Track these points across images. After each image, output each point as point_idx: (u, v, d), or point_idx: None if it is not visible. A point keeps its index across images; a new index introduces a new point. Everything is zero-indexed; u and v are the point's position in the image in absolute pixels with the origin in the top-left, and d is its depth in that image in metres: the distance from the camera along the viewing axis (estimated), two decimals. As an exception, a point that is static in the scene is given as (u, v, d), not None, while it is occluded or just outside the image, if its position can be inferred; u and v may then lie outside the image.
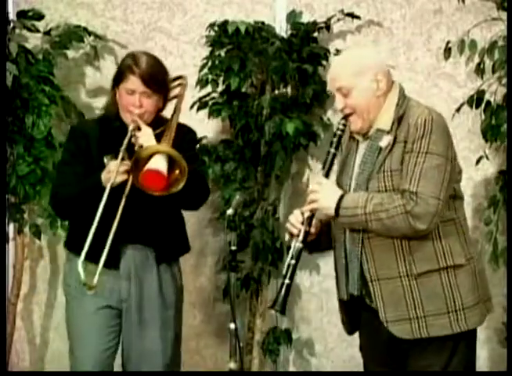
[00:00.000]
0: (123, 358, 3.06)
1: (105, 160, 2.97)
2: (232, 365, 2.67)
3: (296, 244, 2.61)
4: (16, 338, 4.07)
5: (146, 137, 2.92)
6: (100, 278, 2.91)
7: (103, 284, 2.96)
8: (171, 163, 2.83)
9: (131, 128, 2.95)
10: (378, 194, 2.53)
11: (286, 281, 2.57)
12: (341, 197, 2.55)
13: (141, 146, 2.90)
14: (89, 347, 3.00)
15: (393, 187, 2.53)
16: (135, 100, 2.95)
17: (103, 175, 2.90)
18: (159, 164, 2.81)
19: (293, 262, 2.59)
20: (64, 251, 3.18)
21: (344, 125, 2.66)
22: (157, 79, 2.98)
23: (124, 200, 2.88)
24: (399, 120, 2.59)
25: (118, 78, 3.01)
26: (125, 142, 2.93)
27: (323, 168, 2.67)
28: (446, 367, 2.56)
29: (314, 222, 2.65)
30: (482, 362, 3.83)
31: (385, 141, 2.58)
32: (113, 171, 2.87)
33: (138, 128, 2.95)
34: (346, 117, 2.65)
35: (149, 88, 2.95)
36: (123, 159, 2.91)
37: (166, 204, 2.97)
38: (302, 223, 2.62)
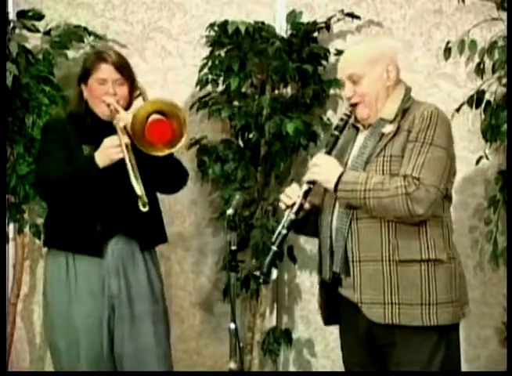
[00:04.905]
0: (115, 354, 3.02)
1: (84, 147, 2.98)
2: (232, 365, 2.68)
3: (289, 215, 2.67)
4: (16, 338, 4.07)
5: (127, 117, 2.93)
6: (88, 279, 2.95)
7: (92, 285, 2.97)
8: (167, 118, 2.88)
9: (111, 107, 2.97)
10: (378, 175, 2.58)
11: (274, 248, 2.65)
12: (342, 173, 2.61)
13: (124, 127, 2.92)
14: (85, 353, 2.97)
15: (390, 172, 2.58)
16: (109, 88, 3.00)
17: (98, 154, 2.90)
18: (159, 117, 2.87)
19: (284, 231, 2.66)
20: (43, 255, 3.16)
21: (351, 112, 2.72)
22: (127, 66, 3.06)
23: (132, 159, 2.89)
24: (404, 112, 2.66)
25: (87, 71, 3.05)
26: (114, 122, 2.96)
27: (326, 146, 2.73)
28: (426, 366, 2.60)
29: (308, 199, 2.71)
30: (482, 362, 3.83)
31: (388, 128, 2.64)
32: (113, 146, 2.88)
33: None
34: (353, 106, 2.71)
35: (122, 74, 3.02)
36: None
37: (146, 190, 2.97)
38: (298, 196, 2.68)
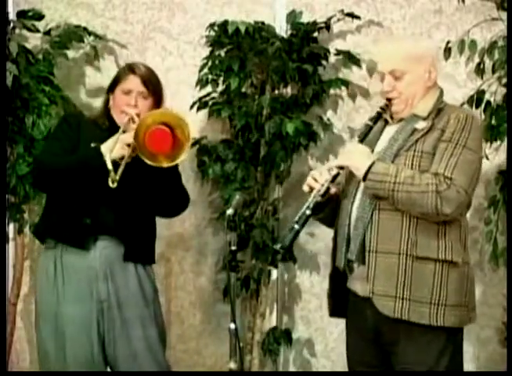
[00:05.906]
0: (107, 356, 3.01)
1: (92, 144, 2.97)
2: (232, 365, 2.67)
3: (316, 197, 2.67)
4: (16, 338, 4.07)
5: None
6: (76, 283, 2.94)
7: (80, 289, 2.96)
8: (172, 130, 2.88)
9: (125, 119, 2.98)
10: (409, 169, 2.59)
11: (296, 227, 2.64)
12: (373, 163, 2.61)
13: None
14: (73, 357, 2.96)
15: (419, 168, 2.59)
16: (131, 99, 3.01)
17: (105, 146, 2.90)
18: (163, 127, 2.87)
19: (308, 212, 2.66)
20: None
21: (387, 105, 2.73)
22: (155, 81, 3.07)
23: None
24: (438, 111, 2.67)
25: (116, 80, 3.07)
26: (121, 128, 2.96)
27: (359, 136, 2.73)
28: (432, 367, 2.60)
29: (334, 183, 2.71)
30: (482, 362, 3.83)
31: (421, 124, 2.66)
32: (116, 141, 2.89)
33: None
34: (389, 100, 2.72)
35: (147, 88, 3.03)
36: None
37: (145, 205, 3.01)
38: (326, 180, 2.68)
